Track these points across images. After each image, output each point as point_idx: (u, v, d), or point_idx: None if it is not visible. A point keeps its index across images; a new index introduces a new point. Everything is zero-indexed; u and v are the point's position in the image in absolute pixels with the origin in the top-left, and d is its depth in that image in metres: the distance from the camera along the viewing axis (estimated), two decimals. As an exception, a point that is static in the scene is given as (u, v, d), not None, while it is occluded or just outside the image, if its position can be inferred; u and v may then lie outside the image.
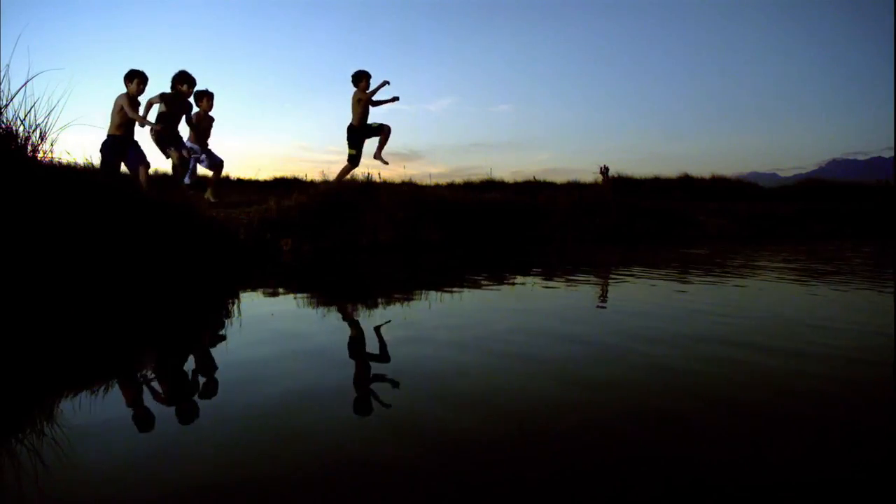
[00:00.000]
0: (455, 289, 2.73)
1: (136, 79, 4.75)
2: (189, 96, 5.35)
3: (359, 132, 5.86)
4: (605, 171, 8.26)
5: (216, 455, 0.92)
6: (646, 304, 2.33)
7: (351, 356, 1.56)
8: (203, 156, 5.72)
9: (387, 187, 5.88)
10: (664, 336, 1.74)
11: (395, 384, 1.29)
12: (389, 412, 1.12)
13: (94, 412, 1.11)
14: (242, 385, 1.28)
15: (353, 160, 5.94)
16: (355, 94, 5.80)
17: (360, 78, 5.85)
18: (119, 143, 4.65)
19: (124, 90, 4.67)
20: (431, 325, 1.93)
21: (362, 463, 0.89)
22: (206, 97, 5.59)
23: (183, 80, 5.25)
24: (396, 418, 1.09)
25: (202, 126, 5.62)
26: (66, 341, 1.69)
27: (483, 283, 2.93)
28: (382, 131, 5.89)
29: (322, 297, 2.64)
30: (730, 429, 1.04)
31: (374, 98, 5.89)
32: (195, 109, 5.52)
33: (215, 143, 5.84)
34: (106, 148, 4.59)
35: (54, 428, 1.04)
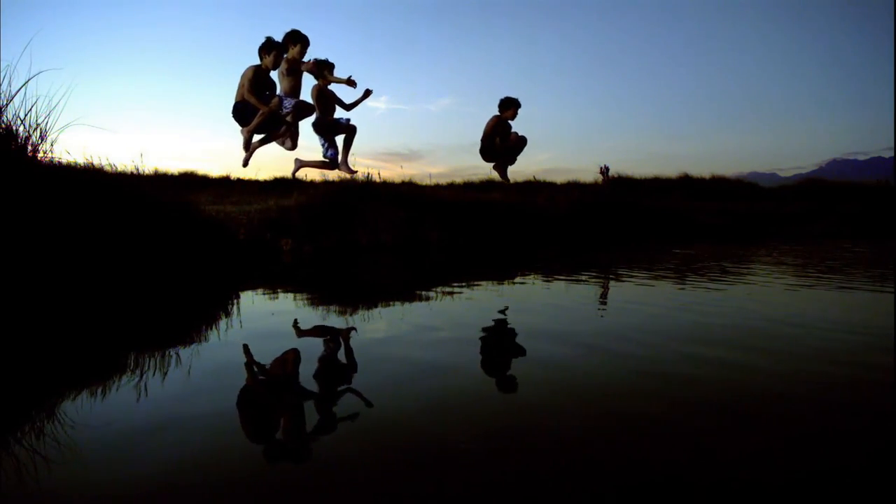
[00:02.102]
0: (453, 290, 2.73)
1: (273, 51, 4.55)
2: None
3: (494, 151, 6.06)
4: (605, 170, 8.26)
5: (215, 453, 0.93)
6: (636, 306, 2.34)
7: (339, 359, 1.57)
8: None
9: (387, 187, 5.88)
10: (652, 339, 1.74)
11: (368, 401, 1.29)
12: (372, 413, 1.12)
13: (95, 409, 1.11)
14: (244, 381, 1.28)
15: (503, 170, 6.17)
16: (500, 118, 5.90)
17: (510, 105, 6.01)
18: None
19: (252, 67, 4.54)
20: (430, 324, 1.94)
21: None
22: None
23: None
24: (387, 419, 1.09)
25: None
26: (66, 340, 1.69)
27: (481, 284, 2.93)
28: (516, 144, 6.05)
29: (322, 297, 2.64)
30: (703, 431, 1.04)
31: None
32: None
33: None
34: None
35: (54, 425, 1.04)
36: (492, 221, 5.93)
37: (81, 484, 0.83)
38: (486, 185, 10.38)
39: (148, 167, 6.84)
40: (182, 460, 0.90)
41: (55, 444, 0.96)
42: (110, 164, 3.35)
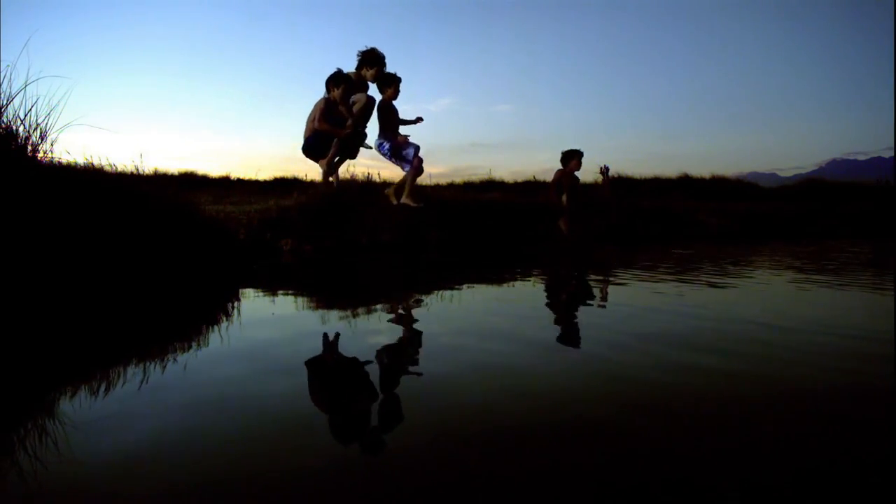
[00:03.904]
0: (450, 291, 2.74)
1: (342, 84, 4.55)
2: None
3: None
4: (605, 171, 8.24)
5: (217, 451, 0.93)
6: (631, 308, 2.34)
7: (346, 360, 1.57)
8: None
9: (387, 187, 5.88)
10: (643, 343, 1.75)
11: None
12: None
13: (94, 408, 1.12)
14: (243, 379, 1.28)
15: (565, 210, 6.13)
16: (564, 172, 5.82)
17: (571, 157, 5.90)
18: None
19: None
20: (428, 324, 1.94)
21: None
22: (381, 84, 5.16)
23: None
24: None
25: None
26: (66, 340, 1.69)
27: (477, 285, 2.94)
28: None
29: (323, 297, 2.65)
30: (688, 434, 1.04)
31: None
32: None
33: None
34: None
35: (54, 424, 1.04)
36: (491, 221, 5.93)
37: (78, 484, 0.84)
38: (486, 185, 10.41)
39: (148, 167, 6.84)
40: (181, 459, 0.90)
41: (53, 444, 0.96)
42: (110, 164, 3.36)
